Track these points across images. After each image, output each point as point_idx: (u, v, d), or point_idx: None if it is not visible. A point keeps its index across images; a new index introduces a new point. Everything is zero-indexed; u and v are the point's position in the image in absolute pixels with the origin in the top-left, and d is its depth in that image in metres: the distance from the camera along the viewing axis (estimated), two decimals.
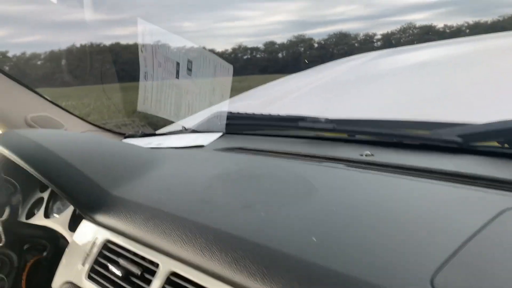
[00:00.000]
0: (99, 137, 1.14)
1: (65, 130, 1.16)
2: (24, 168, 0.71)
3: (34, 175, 0.70)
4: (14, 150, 0.72)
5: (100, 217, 0.66)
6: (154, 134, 1.33)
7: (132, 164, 0.81)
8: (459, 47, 2.11)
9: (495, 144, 0.84)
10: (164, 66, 1.28)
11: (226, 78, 1.24)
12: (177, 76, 1.26)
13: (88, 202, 0.68)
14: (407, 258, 0.43)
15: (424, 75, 1.57)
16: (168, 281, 0.54)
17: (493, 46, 1.94)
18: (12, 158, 0.72)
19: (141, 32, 1.29)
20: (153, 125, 1.44)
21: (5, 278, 0.77)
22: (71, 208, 0.88)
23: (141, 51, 1.29)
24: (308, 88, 1.79)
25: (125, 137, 1.29)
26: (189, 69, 1.25)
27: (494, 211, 0.51)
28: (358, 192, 0.65)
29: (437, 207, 0.56)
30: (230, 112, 1.23)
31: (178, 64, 1.26)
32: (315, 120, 1.10)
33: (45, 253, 0.84)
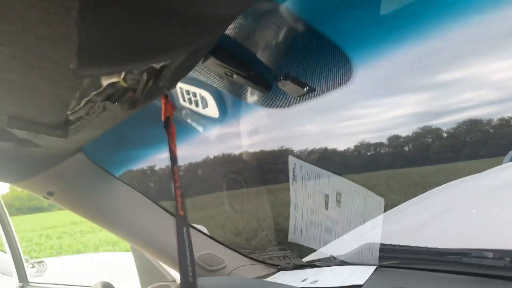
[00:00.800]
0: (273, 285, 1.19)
1: (238, 277, 1.26)
2: None
3: None
4: None
5: None
6: (305, 265, 1.35)
7: None
8: None
9: None
10: (313, 198, 1.34)
11: (376, 208, 1.24)
12: (326, 208, 1.30)
13: None
14: None
15: None
16: None
17: None
18: None
19: (291, 166, 1.39)
20: (302, 253, 1.47)
21: None
22: None
23: (292, 183, 1.38)
24: (467, 206, 1.67)
25: (279, 270, 1.34)
26: (338, 201, 1.29)
27: None
28: None
29: None
30: (383, 244, 1.21)
31: (327, 195, 1.31)
32: (481, 255, 1.02)
33: None
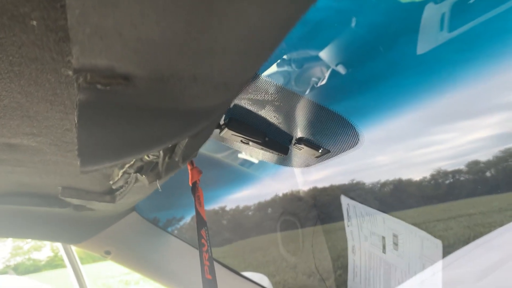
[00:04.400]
0: None
1: None
2: None
3: None
4: None
5: None
6: None
7: None
8: None
9: None
10: (370, 240, 1.31)
11: (435, 253, 1.18)
12: (384, 251, 1.26)
13: None
14: None
15: None
16: None
17: None
18: None
19: (346, 207, 1.38)
20: None
21: None
22: None
23: (347, 225, 1.37)
24: None
25: None
26: (395, 243, 1.25)
27: None
28: None
29: None
30: None
31: (383, 238, 1.27)
32: None
33: None
